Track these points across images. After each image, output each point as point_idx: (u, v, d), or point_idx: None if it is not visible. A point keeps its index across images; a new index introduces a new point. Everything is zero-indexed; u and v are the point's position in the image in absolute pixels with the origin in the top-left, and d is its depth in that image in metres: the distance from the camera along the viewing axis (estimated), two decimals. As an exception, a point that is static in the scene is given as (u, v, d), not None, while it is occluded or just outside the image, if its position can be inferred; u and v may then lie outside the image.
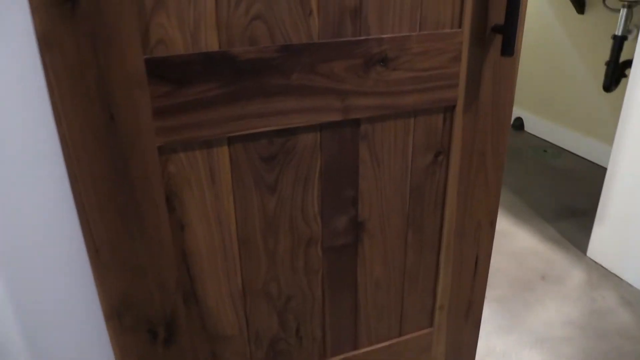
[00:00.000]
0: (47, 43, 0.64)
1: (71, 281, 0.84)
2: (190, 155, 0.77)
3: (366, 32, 0.80)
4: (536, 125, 2.77)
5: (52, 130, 0.74)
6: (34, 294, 0.83)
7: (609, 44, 2.28)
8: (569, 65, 2.50)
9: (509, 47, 0.84)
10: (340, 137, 0.86)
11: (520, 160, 2.50)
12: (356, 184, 0.91)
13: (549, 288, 1.63)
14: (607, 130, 2.39)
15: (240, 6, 0.71)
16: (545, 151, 2.60)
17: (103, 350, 0.91)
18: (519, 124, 2.85)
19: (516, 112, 2.89)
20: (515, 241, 1.88)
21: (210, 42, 0.72)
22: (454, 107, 0.92)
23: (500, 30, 0.87)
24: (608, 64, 2.02)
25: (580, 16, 2.39)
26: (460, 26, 0.86)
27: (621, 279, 1.66)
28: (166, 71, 0.70)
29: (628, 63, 2.01)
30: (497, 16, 0.87)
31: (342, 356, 1.07)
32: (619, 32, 1.98)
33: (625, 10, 1.96)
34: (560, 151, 2.59)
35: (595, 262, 1.74)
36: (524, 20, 0.89)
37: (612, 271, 1.69)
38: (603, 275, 1.68)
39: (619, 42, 1.98)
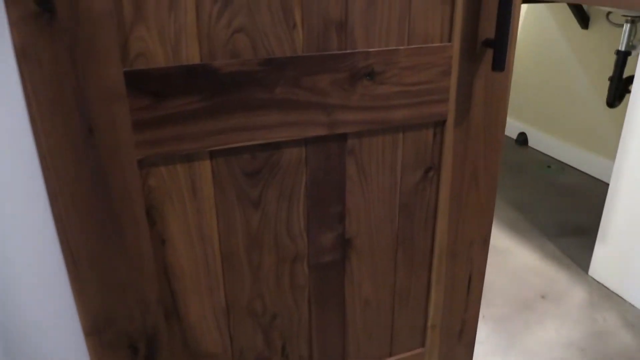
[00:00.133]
0: (25, 55, 0.63)
1: (50, 296, 0.82)
2: (172, 168, 0.76)
3: (352, 46, 0.79)
4: (540, 140, 2.74)
5: (31, 142, 0.73)
6: (12, 309, 0.81)
7: (612, 59, 2.26)
8: (573, 81, 2.48)
9: (500, 62, 0.82)
10: (327, 152, 0.85)
11: (523, 176, 2.47)
12: (343, 199, 0.89)
13: (549, 307, 1.59)
14: (611, 147, 2.36)
15: (222, 19, 0.70)
16: (549, 167, 2.56)
17: (83, 366, 0.89)
18: (522, 139, 2.83)
19: (520, 127, 2.86)
20: (515, 258, 1.84)
21: (192, 55, 0.71)
22: (444, 121, 0.90)
23: (491, 44, 0.85)
24: (611, 79, 2.00)
25: (584, 31, 2.37)
26: (450, 40, 0.85)
27: (624, 300, 1.61)
28: (146, 84, 0.70)
29: (631, 79, 1.98)
30: (488, 30, 0.86)
31: (330, 376, 1.04)
32: (622, 48, 1.97)
33: (628, 25, 1.94)
34: (563, 167, 2.56)
35: (597, 282, 1.70)
36: (516, 34, 0.88)
37: (615, 291, 1.65)
38: (605, 295, 1.64)
39: (622, 58, 1.96)
